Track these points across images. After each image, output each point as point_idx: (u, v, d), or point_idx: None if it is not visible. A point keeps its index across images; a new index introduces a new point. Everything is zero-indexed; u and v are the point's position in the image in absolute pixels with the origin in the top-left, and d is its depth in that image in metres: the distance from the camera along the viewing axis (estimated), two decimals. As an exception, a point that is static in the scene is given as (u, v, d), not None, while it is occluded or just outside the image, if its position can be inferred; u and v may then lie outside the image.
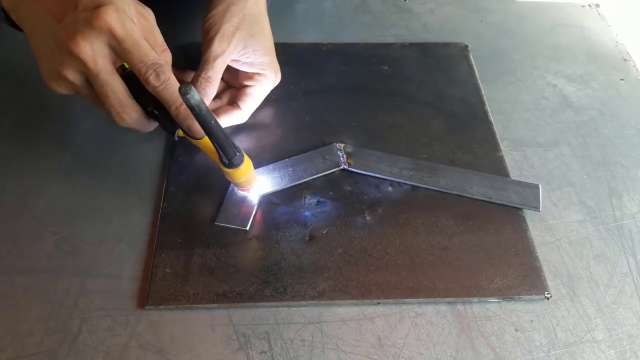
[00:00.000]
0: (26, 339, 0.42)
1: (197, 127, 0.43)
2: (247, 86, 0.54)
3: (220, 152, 0.44)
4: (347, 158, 0.54)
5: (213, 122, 0.40)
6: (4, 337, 0.42)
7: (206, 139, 0.44)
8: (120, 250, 0.47)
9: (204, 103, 0.38)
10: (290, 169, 0.52)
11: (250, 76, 0.54)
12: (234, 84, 0.56)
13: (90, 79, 0.43)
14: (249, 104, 0.54)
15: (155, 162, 0.54)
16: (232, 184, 0.50)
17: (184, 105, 0.43)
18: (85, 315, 0.43)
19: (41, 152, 0.54)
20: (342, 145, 0.55)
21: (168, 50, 0.46)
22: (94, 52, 0.41)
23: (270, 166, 0.53)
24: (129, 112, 0.44)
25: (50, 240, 0.47)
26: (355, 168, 0.53)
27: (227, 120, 0.53)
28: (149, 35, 0.44)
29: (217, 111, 0.53)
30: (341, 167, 0.53)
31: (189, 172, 0.52)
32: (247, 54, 0.52)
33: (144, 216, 0.49)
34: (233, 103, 0.54)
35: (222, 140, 0.42)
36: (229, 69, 0.52)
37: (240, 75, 0.55)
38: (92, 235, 0.48)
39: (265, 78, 0.54)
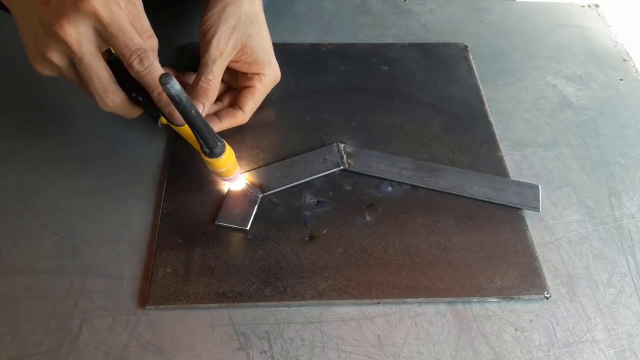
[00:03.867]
0: (27, 338, 0.42)
1: (178, 114, 0.43)
2: (247, 87, 0.54)
3: (201, 141, 0.44)
4: (347, 158, 0.54)
5: (193, 111, 0.40)
6: (5, 336, 0.42)
7: (188, 127, 0.44)
8: (120, 250, 0.47)
9: (184, 93, 0.38)
10: (290, 169, 0.52)
11: (249, 77, 0.54)
12: (234, 86, 0.56)
13: (74, 62, 0.42)
14: (249, 105, 0.54)
15: (155, 162, 0.54)
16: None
17: None
18: (86, 315, 0.43)
19: (41, 152, 0.54)
20: (342, 145, 0.55)
21: (154, 37, 0.46)
22: (79, 35, 0.41)
23: (270, 166, 0.53)
24: (112, 97, 0.44)
25: (50, 240, 0.47)
26: (355, 168, 0.53)
27: (229, 122, 0.54)
28: (135, 21, 0.44)
29: (218, 114, 0.53)
30: (341, 167, 0.53)
31: (189, 172, 0.52)
32: (245, 54, 0.52)
33: (144, 216, 0.49)
34: (234, 105, 0.54)
35: (202, 129, 0.42)
36: (228, 70, 0.52)
37: (239, 76, 0.55)
38: (92, 235, 0.48)
39: (265, 78, 0.54)
